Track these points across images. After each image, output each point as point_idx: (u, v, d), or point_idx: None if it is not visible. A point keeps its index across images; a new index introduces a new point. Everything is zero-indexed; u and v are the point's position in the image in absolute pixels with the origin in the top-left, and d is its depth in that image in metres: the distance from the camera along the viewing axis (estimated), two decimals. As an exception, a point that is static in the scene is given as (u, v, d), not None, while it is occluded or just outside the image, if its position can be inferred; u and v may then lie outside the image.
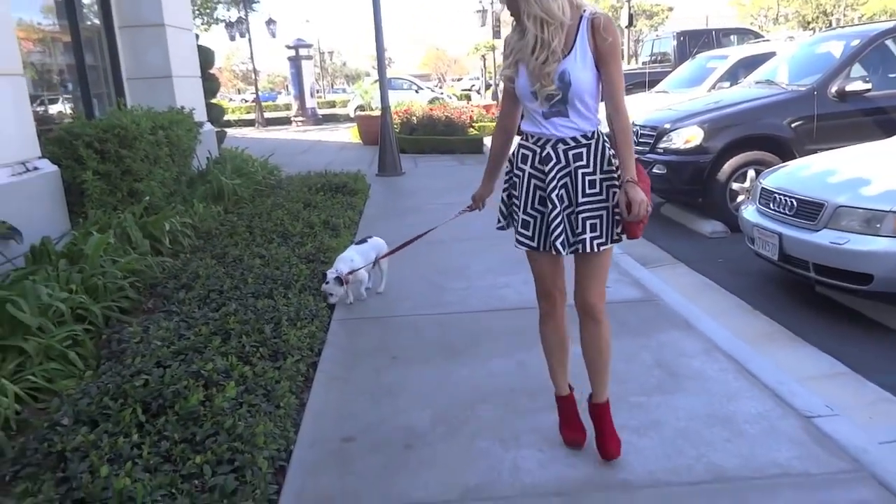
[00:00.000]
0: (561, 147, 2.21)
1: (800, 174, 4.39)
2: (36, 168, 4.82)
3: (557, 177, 2.21)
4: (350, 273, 3.99)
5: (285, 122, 23.14)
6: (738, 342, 3.39)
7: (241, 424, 2.39)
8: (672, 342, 3.41)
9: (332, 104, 28.48)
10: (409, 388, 3.05)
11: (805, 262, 3.92)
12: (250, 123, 22.25)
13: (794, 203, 4.06)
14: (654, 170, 6.26)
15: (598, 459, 2.40)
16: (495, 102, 18.54)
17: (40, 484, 2.11)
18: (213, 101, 11.19)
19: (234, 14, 21.84)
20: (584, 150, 2.20)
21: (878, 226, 3.57)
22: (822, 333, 3.77)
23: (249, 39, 22.46)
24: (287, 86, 57.65)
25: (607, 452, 2.39)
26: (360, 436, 2.65)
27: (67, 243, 4.14)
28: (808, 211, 3.94)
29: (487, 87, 27.48)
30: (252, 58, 23.01)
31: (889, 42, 6.43)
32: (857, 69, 6.07)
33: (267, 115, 23.50)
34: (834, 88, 5.93)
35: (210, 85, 10.40)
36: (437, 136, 12.40)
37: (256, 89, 24.44)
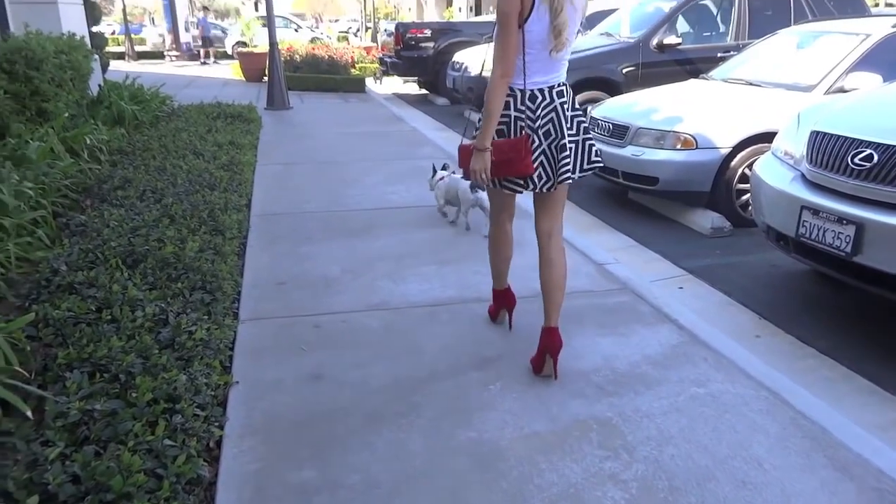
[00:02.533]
0: None
1: (615, 105, 5.71)
2: (-54, 85, 5.21)
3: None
4: (442, 178, 4.49)
5: (157, 56, 22.49)
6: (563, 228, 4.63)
7: (206, 266, 3.29)
8: (517, 226, 4.56)
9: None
10: (321, 255, 4.03)
11: (616, 170, 5.25)
12: (120, 56, 21.43)
13: (611, 126, 5.36)
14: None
15: (462, 286, 3.52)
16: (375, 45, 19.15)
17: (64, 301, 2.91)
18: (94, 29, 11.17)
19: (98, -62, 20.67)
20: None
21: (663, 142, 4.92)
22: (626, 223, 5.14)
23: (117, -33, 21.42)
24: (151, 18, 53.88)
25: (536, 368, 2.70)
26: (289, 280, 3.62)
27: (9, 149, 4.68)
28: (619, 132, 5.26)
29: (367, 29, 27.79)
30: (121, -14, 21.97)
31: (701, 3, 7.92)
32: (672, 26, 7.49)
33: (136, 48, 22.69)
34: (654, 41, 7.34)
35: (93, 13, 10.43)
36: (322, 75, 13.02)
37: (125, 20, 23.39)
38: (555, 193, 2.66)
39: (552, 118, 2.51)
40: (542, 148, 2.52)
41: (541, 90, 2.49)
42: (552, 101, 2.50)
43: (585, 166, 2.64)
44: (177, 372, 2.35)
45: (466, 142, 2.65)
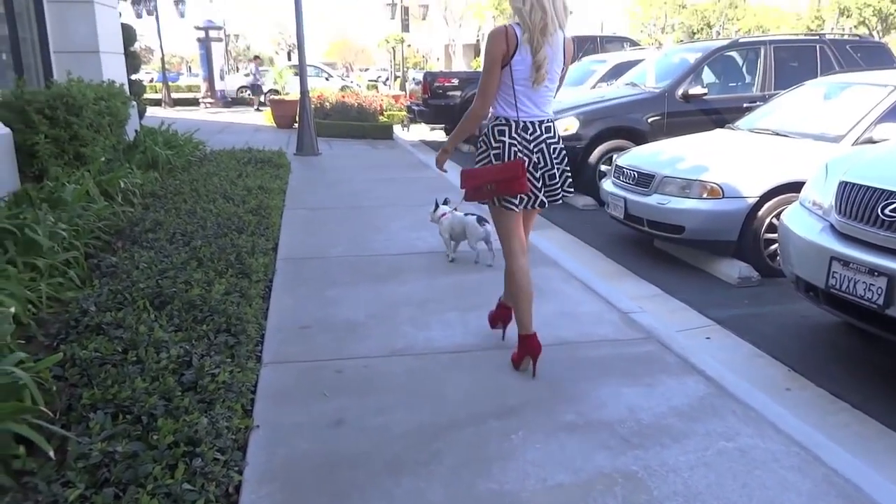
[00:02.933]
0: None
1: (642, 154, 5.73)
2: (-7, 130, 5.42)
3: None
4: (444, 214, 4.71)
5: (192, 102, 23.20)
6: (588, 273, 4.61)
7: (232, 308, 3.32)
8: (542, 273, 4.57)
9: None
10: (346, 299, 4.05)
11: (641, 218, 5.23)
12: (156, 103, 22.16)
13: (636, 175, 5.36)
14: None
15: (485, 334, 3.50)
16: (403, 93, 19.55)
17: (92, 341, 2.95)
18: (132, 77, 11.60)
19: (141, -8, 21.68)
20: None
21: (688, 191, 4.91)
22: (652, 271, 5.09)
23: (157, 18, 22.35)
24: (189, 66, 55.67)
25: (516, 363, 3.09)
26: (313, 324, 3.63)
27: (46, 191, 4.83)
28: (645, 181, 5.25)
29: (396, 78, 28.41)
30: (160, 36, 22.86)
31: (727, 54, 8.00)
32: (698, 77, 7.55)
33: (172, 95, 23.46)
34: (680, 91, 7.38)
35: (132, 62, 10.85)
36: (351, 122, 13.28)
37: (164, 69, 24.25)
38: (533, 213, 3.14)
39: (542, 149, 2.92)
40: (532, 173, 2.93)
41: (532, 122, 2.89)
42: (542, 134, 2.91)
43: (562, 193, 3.06)
44: (198, 415, 2.36)
45: (468, 168, 3.05)
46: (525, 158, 2.87)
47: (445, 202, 4.84)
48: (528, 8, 2.74)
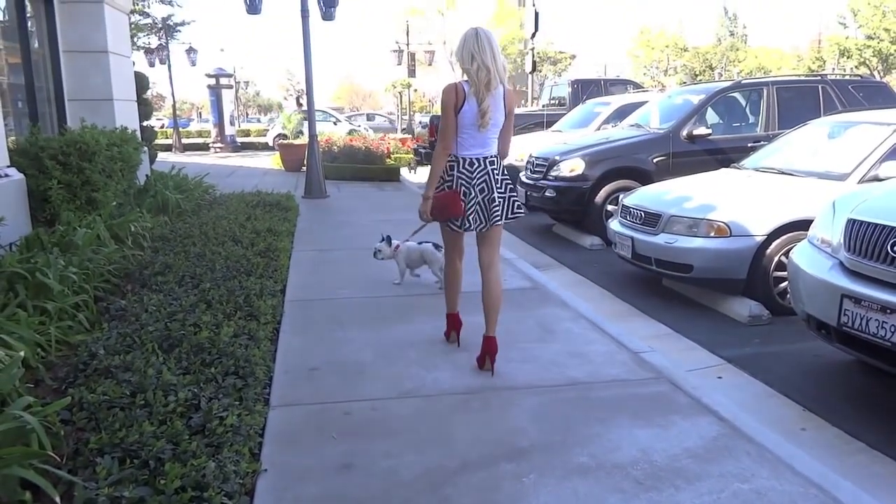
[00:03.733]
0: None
1: (648, 193, 5.75)
2: (7, 175, 5.50)
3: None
4: (398, 246, 5.14)
5: (202, 147, 23.57)
6: (597, 313, 4.59)
7: (240, 351, 3.31)
8: (551, 313, 4.56)
9: (248, 133, 29.06)
10: (355, 340, 4.03)
11: (649, 258, 5.23)
12: (167, 148, 22.51)
13: (643, 214, 5.38)
14: (546, 193, 7.57)
15: (494, 375, 3.47)
16: (409, 136, 19.81)
17: (100, 385, 2.94)
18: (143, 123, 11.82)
19: (154, 41, 22.21)
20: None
21: (696, 230, 4.91)
22: (661, 311, 5.07)
23: (169, 66, 22.88)
24: (199, 112, 56.64)
25: (480, 363, 3.58)
26: (322, 366, 3.62)
27: (58, 235, 4.88)
28: (652, 220, 5.26)
29: (402, 122, 28.79)
30: (171, 84, 23.35)
31: (730, 95, 8.09)
32: (702, 117, 7.63)
33: (183, 141, 23.85)
34: (684, 132, 7.45)
35: (144, 109, 11.07)
36: (358, 165, 13.43)
37: (175, 115, 24.71)
38: (492, 233, 3.61)
39: (485, 179, 3.50)
40: (477, 199, 3.49)
41: (476, 159, 3.49)
42: (485, 167, 3.50)
43: (510, 215, 3.60)
44: (206, 458, 2.33)
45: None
46: (466, 189, 3.48)
47: (388, 238, 5.22)
48: (475, 68, 3.34)
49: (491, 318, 3.56)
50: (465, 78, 3.42)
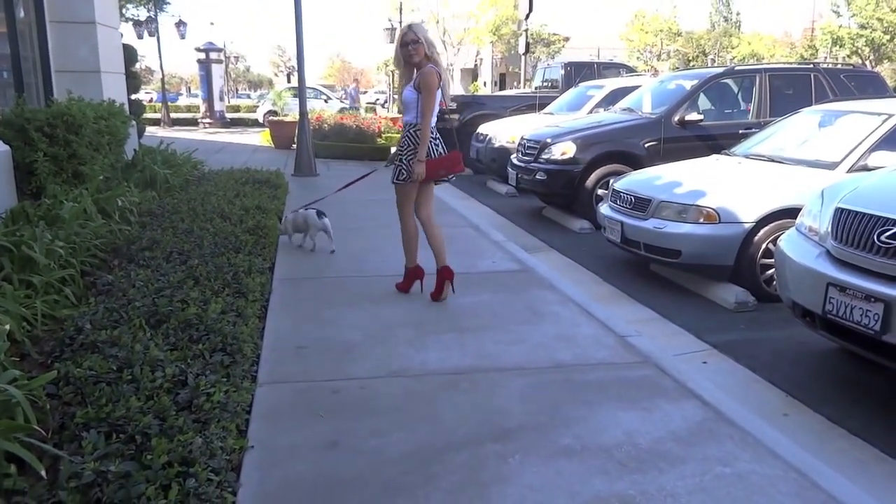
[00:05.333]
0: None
1: (638, 178, 5.76)
2: (-9, 147, 5.43)
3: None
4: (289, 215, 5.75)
5: (191, 123, 23.31)
6: (585, 297, 4.61)
7: (228, 328, 3.30)
8: (539, 296, 4.58)
9: (237, 108, 28.77)
10: (343, 320, 4.04)
11: (638, 242, 5.25)
12: (155, 122, 22.26)
13: (633, 199, 5.39)
14: (537, 176, 7.56)
15: (483, 356, 3.49)
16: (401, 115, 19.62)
17: (87, 359, 2.93)
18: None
19: (143, 13, 21.87)
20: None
21: (685, 215, 4.93)
22: (648, 295, 5.10)
23: (158, 39, 22.54)
24: (188, 87, 55.99)
25: (435, 297, 4.38)
26: (310, 345, 3.62)
27: (44, 209, 4.82)
28: (642, 205, 5.28)
29: (394, 101, 28.56)
30: (160, 58, 23.03)
31: (723, 82, 8.09)
32: (694, 103, 7.62)
33: (171, 115, 23.59)
34: (676, 117, 7.45)
35: (132, 82, 10.91)
36: (348, 143, 13.34)
37: (163, 89, 24.40)
38: (430, 190, 4.47)
39: (439, 141, 4.38)
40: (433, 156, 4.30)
41: (434, 127, 4.33)
42: (436, 133, 4.36)
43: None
44: (193, 434, 2.33)
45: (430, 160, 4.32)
46: (443, 151, 4.36)
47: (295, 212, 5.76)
48: (441, 59, 4.33)
49: (440, 254, 4.39)
50: (437, 68, 4.21)
